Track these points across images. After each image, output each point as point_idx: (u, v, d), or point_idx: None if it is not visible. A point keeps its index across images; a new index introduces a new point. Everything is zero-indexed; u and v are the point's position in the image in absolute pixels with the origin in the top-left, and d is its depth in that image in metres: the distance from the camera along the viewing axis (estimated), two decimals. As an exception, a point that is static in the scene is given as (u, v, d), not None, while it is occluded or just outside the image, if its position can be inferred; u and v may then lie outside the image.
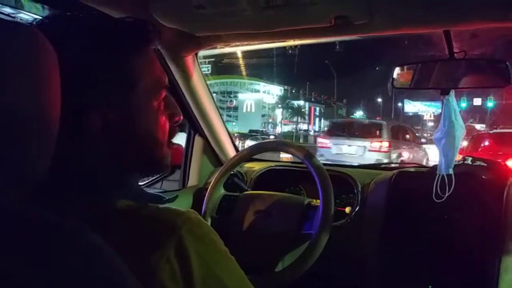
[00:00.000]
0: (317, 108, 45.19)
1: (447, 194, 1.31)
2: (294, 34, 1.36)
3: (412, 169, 1.69)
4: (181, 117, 0.71)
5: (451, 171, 1.33)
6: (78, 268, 0.39)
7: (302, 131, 38.25)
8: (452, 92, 1.29)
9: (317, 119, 45.00)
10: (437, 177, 1.34)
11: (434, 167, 1.51)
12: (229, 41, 1.54)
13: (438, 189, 1.33)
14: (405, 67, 1.39)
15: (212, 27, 1.34)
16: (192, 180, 1.89)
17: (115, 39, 0.61)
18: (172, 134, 0.70)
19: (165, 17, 1.24)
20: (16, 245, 0.37)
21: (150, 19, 1.22)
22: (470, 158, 1.52)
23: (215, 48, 1.60)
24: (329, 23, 1.20)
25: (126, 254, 0.44)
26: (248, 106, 40.08)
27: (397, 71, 1.40)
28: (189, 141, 1.89)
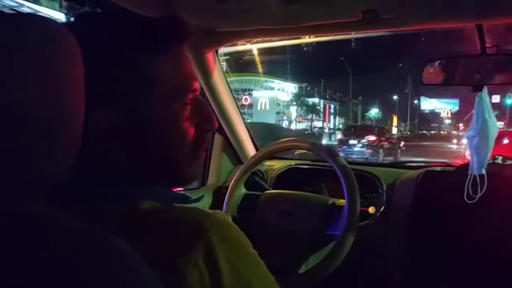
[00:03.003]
0: (332, 106, 44.85)
1: (479, 195, 1.26)
2: (319, 29, 1.32)
3: (438, 168, 1.64)
4: (215, 126, 0.66)
5: (483, 171, 1.28)
6: (104, 276, 0.38)
7: (317, 129, 38.05)
8: (485, 89, 1.24)
9: (331, 117, 44.74)
10: (469, 177, 1.28)
11: (462, 167, 1.46)
12: (251, 37, 1.51)
13: (470, 190, 1.28)
14: (435, 63, 1.33)
15: (234, 22, 1.31)
16: (212, 178, 1.88)
17: (135, 37, 0.57)
18: (200, 144, 0.64)
19: (187, 13, 1.22)
20: (39, 251, 0.36)
21: (173, 15, 1.20)
22: (500, 157, 1.46)
23: (236, 44, 1.57)
24: (357, 17, 1.16)
25: (152, 259, 0.43)
26: (262, 104, 39.99)
27: (425, 66, 1.35)
28: (209, 139, 1.87)
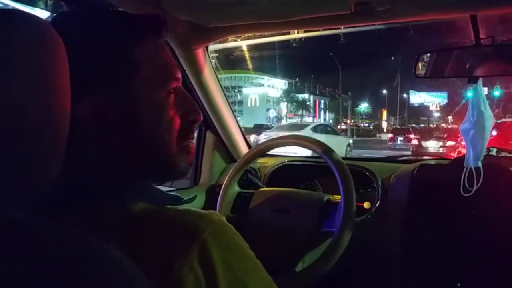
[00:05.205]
0: (322, 101, 44.96)
1: (475, 188, 1.25)
2: (311, 22, 1.29)
3: (433, 162, 1.63)
4: (199, 117, 0.65)
5: (479, 164, 1.27)
6: (96, 285, 0.35)
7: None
8: (480, 81, 1.22)
9: (322, 112, 44.86)
10: (465, 170, 1.27)
11: (457, 160, 1.45)
12: (242, 32, 1.48)
13: (466, 183, 1.26)
14: (428, 55, 1.31)
15: (225, 17, 1.28)
16: (204, 177, 1.85)
17: (115, 27, 0.58)
18: (186, 134, 0.63)
19: (176, 9, 1.19)
20: (27, 263, 0.33)
21: (161, 12, 1.17)
22: (494, 149, 1.45)
23: (226, 41, 1.54)
24: (349, 9, 1.14)
25: (147, 263, 0.42)
26: (252, 101, 40.00)
27: (418, 59, 1.33)
28: (200, 137, 1.84)
